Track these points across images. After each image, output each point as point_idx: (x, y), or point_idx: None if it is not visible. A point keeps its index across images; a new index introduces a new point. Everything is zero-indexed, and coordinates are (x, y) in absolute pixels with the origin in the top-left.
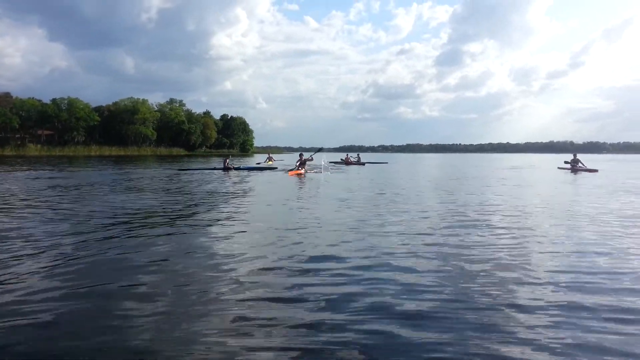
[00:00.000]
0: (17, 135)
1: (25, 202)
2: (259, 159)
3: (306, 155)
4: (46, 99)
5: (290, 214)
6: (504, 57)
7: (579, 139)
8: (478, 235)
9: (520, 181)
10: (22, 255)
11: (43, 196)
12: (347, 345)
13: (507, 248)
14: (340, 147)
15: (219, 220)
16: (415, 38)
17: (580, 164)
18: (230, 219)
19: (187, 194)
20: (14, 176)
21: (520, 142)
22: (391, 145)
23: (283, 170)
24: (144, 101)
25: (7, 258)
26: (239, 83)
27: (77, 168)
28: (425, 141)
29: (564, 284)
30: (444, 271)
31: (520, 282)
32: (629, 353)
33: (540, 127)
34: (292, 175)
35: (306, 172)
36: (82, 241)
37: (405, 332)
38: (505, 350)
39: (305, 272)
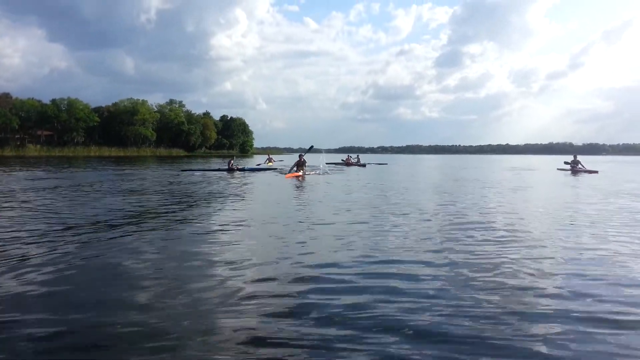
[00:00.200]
0: (16, 136)
1: (26, 204)
2: (258, 160)
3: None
4: (45, 100)
5: (294, 217)
6: (504, 58)
7: (578, 140)
8: (482, 240)
9: (521, 183)
10: (18, 258)
11: (48, 197)
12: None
13: (512, 254)
14: (340, 147)
15: (223, 223)
16: (415, 39)
17: (580, 166)
18: (233, 223)
19: (192, 196)
20: (16, 177)
21: (519, 143)
22: (391, 146)
23: (282, 170)
24: (144, 102)
25: (5, 259)
26: (239, 84)
27: (77, 169)
28: (425, 142)
29: (570, 292)
30: (449, 279)
31: (529, 290)
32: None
33: (539, 129)
34: (289, 177)
35: (305, 174)
36: (84, 242)
37: (411, 345)
38: None
39: (307, 279)
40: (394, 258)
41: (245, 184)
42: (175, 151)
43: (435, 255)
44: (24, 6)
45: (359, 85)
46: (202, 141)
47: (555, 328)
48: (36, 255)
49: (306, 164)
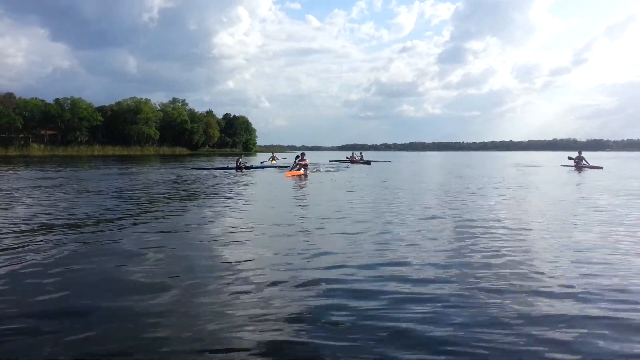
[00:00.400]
0: (20, 136)
1: (39, 206)
2: (262, 158)
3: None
4: (49, 99)
5: (299, 217)
6: (506, 54)
7: (582, 136)
8: (489, 239)
9: (526, 180)
10: (21, 258)
11: (63, 199)
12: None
13: (522, 254)
14: (342, 145)
15: (233, 224)
16: (418, 36)
17: (584, 162)
18: (243, 222)
19: (200, 194)
20: (28, 176)
21: (523, 139)
22: (394, 144)
23: (287, 167)
24: (147, 101)
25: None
26: (241, 82)
27: (83, 168)
28: (428, 139)
29: (579, 294)
30: (460, 282)
31: (540, 293)
32: None
33: (543, 125)
34: (290, 176)
35: (307, 172)
36: (83, 242)
37: (418, 348)
38: None
39: (315, 280)
40: (402, 259)
41: (251, 183)
42: (179, 150)
43: (444, 258)
44: (26, 5)
45: (362, 83)
46: (205, 140)
47: (565, 330)
48: (41, 251)
49: (307, 163)
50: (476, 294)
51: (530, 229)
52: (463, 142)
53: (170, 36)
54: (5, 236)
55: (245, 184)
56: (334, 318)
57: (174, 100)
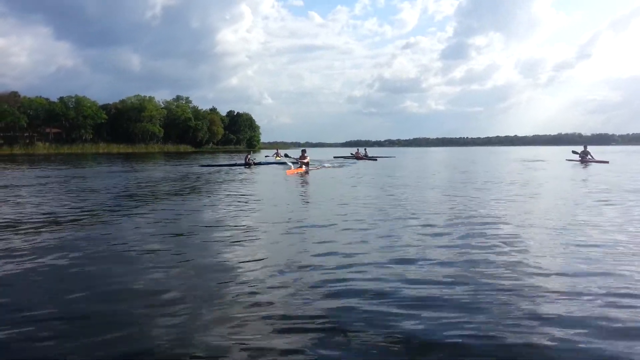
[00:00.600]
0: (25, 134)
1: (63, 198)
2: (266, 154)
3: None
4: (53, 98)
5: (304, 214)
6: (510, 49)
7: (586, 131)
8: (495, 239)
9: (532, 175)
10: (22, 258)
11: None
12: None
13: (529, 253)
14: (346, 142)
15: (244, 223)
16: (421, 32)
17: (589, 156)
18: (252, 221)
19: (211, 192)
20: (35, 174)
21: (527, 134)
22: (398, 140)
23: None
24: (151, 99)
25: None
26: (244, 79)
27: (88, 166)
28: (431, 135)
29: (589, 294)
30: (470, 281)
31: (550, 293)
32: None
33: (547, 120)
34: (290, 173)
35: (309, 169)
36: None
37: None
38: None
39: (323, 282)
40: (411, 258)
41: (259, 181)
42: (183, 147)
43: (452, 257)
44: (30, 4)
45: (365, 79)
46: (210, 137)
47: (576, 331)
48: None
49: (308, 160)
50: (488, 295)
51: (541, 227)
52: (467, 138)
53: (173, 34)
54: (9, 234)
55: (254, 182)
56: (342, 319)
57: (178, 98)
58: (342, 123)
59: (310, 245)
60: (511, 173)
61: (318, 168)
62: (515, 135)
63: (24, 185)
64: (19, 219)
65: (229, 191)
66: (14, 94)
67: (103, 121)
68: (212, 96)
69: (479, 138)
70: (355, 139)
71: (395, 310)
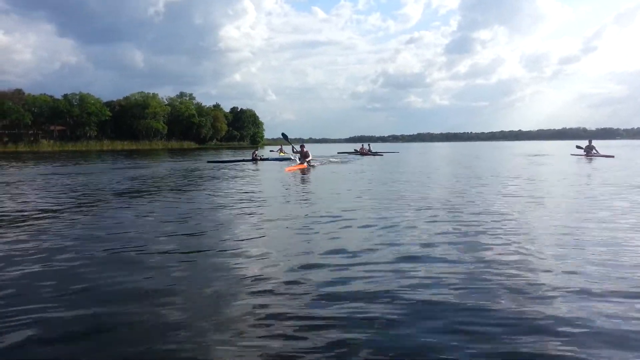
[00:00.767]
0: (30, 132)
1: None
2: (269, 152)
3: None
4: (57, 95)
5: (311, 211)
6: (515, 43)
7: (591, 125)
8: (501, 236)
9: (537, 170)
10: (23, 257)
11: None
12: None
13: (535, 251)
14: (350, 137)
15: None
16: (425, 26)
17: (594, 151)
18: (260, 218)
19: (216, 189)
20: (41, 171)
21: (532, 129)
22: (402, 135)
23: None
24: (155, 95)
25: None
26: (248, 75)
27: (94, 162)
28: (436, 130)
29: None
30: (478, 280)
31: (556, 291)
32: None
33: (552, 114)
34: (290, 170)
35: (310, 166)
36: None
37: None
38: None
39: (328, 283)
40: (416, 254)
41: (264, 177)
42: (187, 144)
43: (459, 256)
44: (33, 1)
45: (369, 74)
46: (213, 133)
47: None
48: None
49: (306, 151)
50: (501, 296)
51: (548, 225)
52: (471, 133)
53: (176, 30)
54: (8, 234)
55: (259, 178)
56: (347, 321)
57: (182, 95)
58: (346, 119)
59: (317, 243)
60: (515, 168)
61: (322, 163)
62: (520, 130)
63: (30, 181)
64: (22, 214)
65: (235, 188)
66: (18, 92)
67: (107, 118)
68: (215, 92)
69: (483, 133)
70: (359, 135)
71: (400, 311)
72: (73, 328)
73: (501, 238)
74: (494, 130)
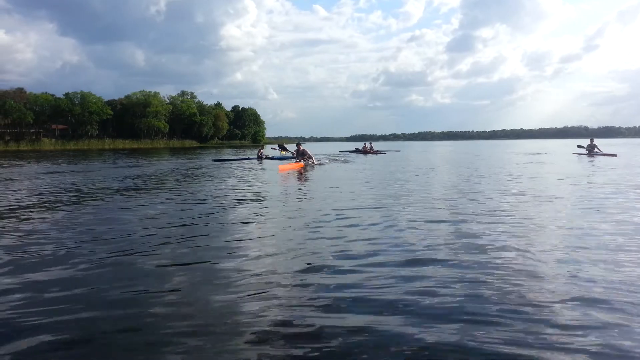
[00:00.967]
0: (31, 130)
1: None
2: (270, 150)
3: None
4: (58, 94)
5: (314, 211)
6: (516, 41)
7: (593, 124)
8: (504, 239)
9: (539, 169)
10: (23, 256)
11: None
12: None
13: (540, 255)
14: (351, 136)
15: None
16: (426, 24)
17: (597, 150)
18: (266, 216)
19: (218, 187)
20: (43, 169)
21: (534, 127)
22: (403, 134)
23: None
24: (156, 94)
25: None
26: (249, 74)
27: (96, 161)
28: (437, 128)
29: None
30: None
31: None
32: None
33: (554, 112)
34: (284, 170)
35: (314, 164)
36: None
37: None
38: None
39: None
40: (419, 257)
41: (268, 176)
42: (188, 142)
43: (462, 257)
44: (34, 0)
45: (370, 73)
46: (215, 132)
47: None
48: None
49: (304, 149)
50: (504, 301)
51: (551, 226)
52: (473, 131)
53: (177, 29)
54: (8, 232)
55: (264, 176)
56: (351, 326)
57: (183, 93)
58: (347, 117)
59: (320, 244)
60: (517, 168)
61: (323, 163)
62: (521, 129)
63: (33, 179)
64: (22, 214)
65: (238, 186)
66: (20, 91)
67: (108, 117)
68: (217, 91)
69: (484, 131)
70: (361, 133)
71: (403, 315)
72: (71, 333)
73: (505, 240)
74: (496, 129)
